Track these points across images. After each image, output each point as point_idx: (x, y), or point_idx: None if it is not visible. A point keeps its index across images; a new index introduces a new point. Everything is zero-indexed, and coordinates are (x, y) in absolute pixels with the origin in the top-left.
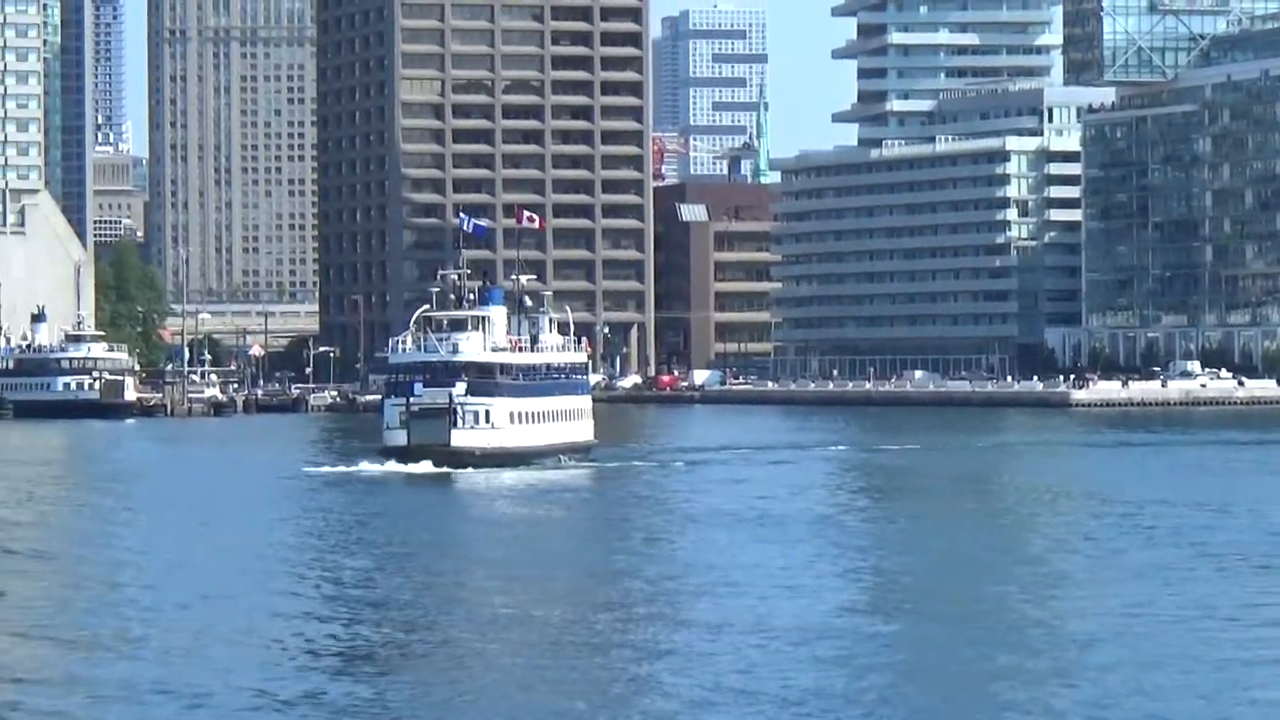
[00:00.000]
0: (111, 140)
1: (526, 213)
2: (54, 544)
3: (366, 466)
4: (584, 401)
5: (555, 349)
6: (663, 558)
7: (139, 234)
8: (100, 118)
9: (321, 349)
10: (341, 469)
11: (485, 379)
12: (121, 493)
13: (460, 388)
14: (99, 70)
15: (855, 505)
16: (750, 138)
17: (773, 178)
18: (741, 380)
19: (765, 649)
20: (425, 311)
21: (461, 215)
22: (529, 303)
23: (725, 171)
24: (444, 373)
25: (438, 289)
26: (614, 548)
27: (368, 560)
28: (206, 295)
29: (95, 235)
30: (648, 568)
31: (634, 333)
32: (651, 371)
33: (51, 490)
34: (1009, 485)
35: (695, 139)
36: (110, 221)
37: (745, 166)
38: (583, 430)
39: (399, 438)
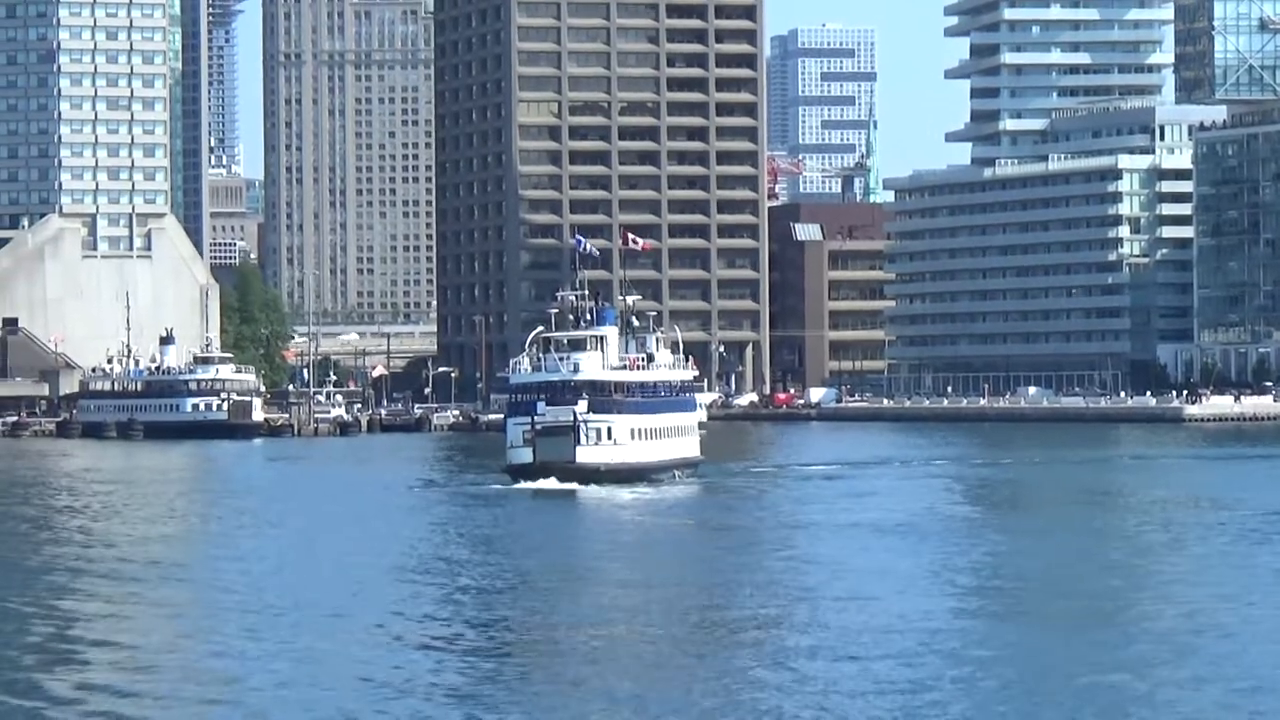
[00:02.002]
0: (224, 163)
1: (632, 236)
2: (235, 566)
3: (513, 485)
4: (693, 418)
5: (667, 367)
6: (814, 566)
7: (253, 256)
8: (213, 140)
9: (441, 369)
10: (484, 487)
11: (605, 397)
12: (284, 511)
13: (582, 406)
14: (212, 93)
15: (999, 516)
16: (861, 156)
17: (883, 196)
18: (857, 397)
19: (900, 650)
20: (541, 332)
21: (577, 238)
22: (636, 323)
23: (833, 190)
24: (565, 391)
25: (556, 310)
26: (759, 556)
27: (536, 571)
28: (322, 316)
29: (211, 257)
30: (800, 575)
31: (749, 351)
32: (766, 389)
33: (217, 510)
34: (1145, 497)
35: (805, 157)
36: (225, 244)
37: (856, 185)
38: (692, 446)
39: (524, 455)
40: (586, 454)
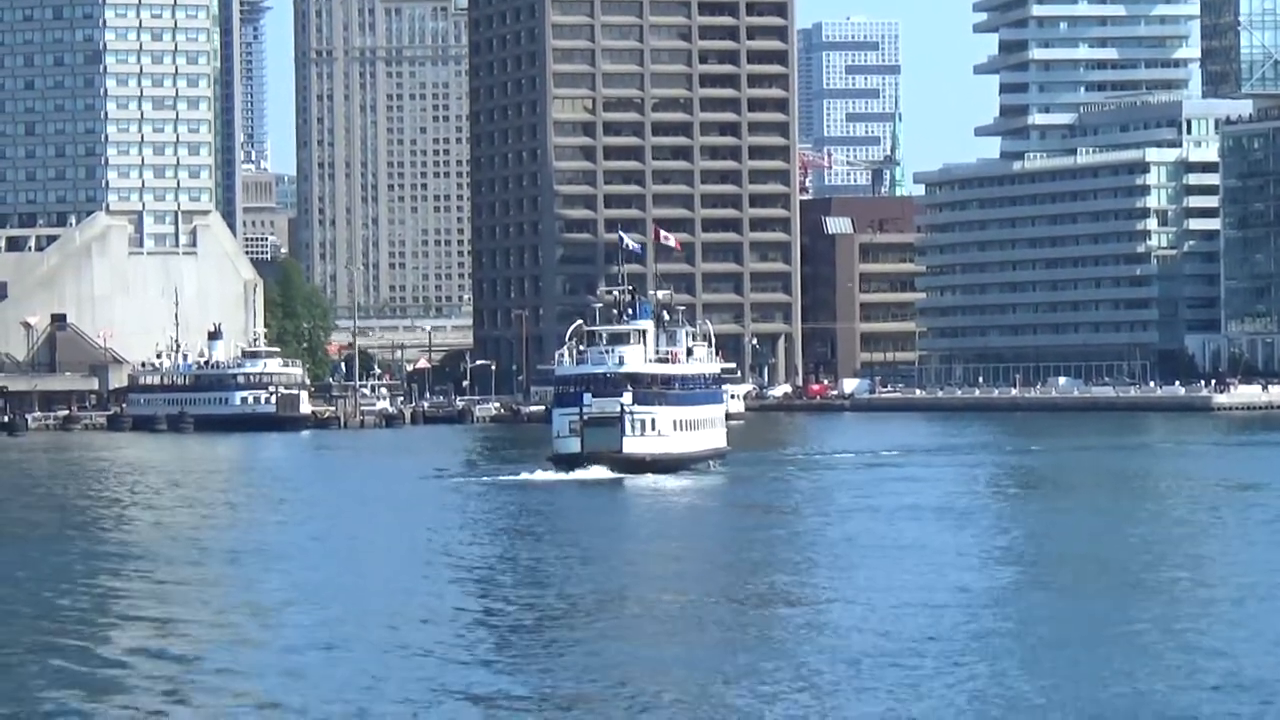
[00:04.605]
0: (254, 158)
1: (664, 232)
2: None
3: (562, 474)
4: (722, 410)
5: (701, 360)
6: (872, 541)
7: (284, 251)
8: (243, 136)
9: (479, 362)
10: (536, 476)
11: (648, 389)
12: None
13: (627, 397)
14: (242, 89)
15: (1037, 500)
16: (889, 150)
17: (911, 189)
18: (889, 389)
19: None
20: (581, 325)
21: (621, 234)
22: (666, 317)
23: (858, 182)
24: (609, 384)
25: (600, 305)
26: (824, 535)
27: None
28: (354, 311)
29: (245, 253)
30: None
31: (781, 343)
32: (800, 381)
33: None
34: (1189, 480)
35: (831, 150)
36: (257, 239)
37: (884, 178)
38: (721, 437)
39: (571, 445)
40: (632, 444)
